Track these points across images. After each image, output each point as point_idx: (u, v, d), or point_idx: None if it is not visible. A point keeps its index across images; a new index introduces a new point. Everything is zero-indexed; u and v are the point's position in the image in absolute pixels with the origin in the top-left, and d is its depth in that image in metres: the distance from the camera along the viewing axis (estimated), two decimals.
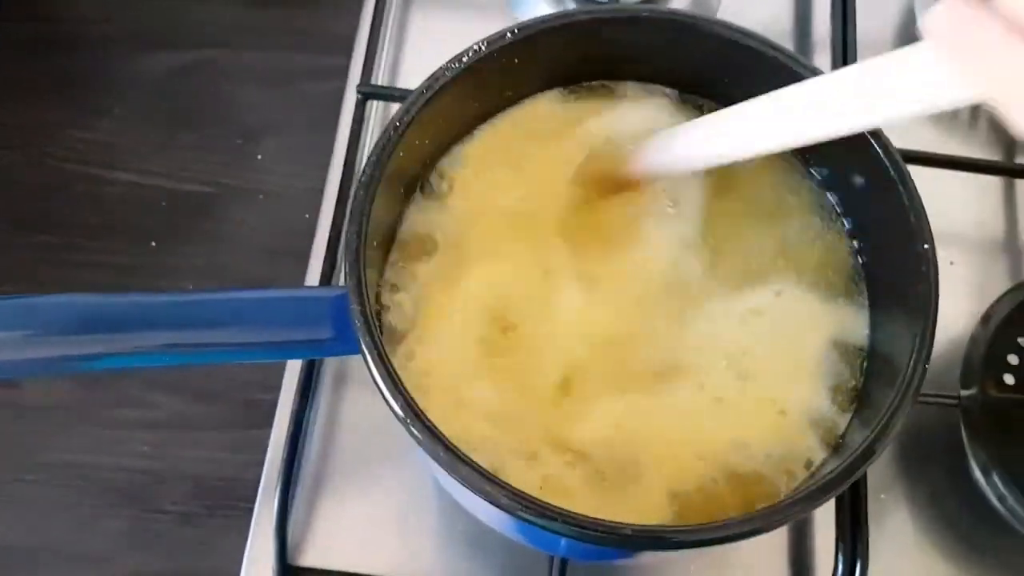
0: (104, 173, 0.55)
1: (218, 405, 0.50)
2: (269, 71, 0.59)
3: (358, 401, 0.50)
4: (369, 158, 0.36)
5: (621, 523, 0.31)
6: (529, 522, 0.31)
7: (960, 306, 0.54)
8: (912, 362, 0.35)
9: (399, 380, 0.33)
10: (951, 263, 0.56)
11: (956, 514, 0.50)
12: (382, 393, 0.33)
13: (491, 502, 0.31)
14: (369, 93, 0.53)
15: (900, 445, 0.51)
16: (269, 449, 0.48)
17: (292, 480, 0.46)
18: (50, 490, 0.48)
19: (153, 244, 0.53)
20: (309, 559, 0.46)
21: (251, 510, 0.46)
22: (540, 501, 0.31)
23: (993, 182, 0.59)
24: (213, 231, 0.54)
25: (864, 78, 0.32)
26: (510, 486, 0.31)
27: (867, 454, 0.33)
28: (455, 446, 0.32)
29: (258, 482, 0.47)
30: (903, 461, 0.51)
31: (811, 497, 0.32)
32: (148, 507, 0.48)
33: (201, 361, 0.36)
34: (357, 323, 0.33)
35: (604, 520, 0.31)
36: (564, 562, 0.44)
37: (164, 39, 0.59)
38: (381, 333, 0.35)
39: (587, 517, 0.31)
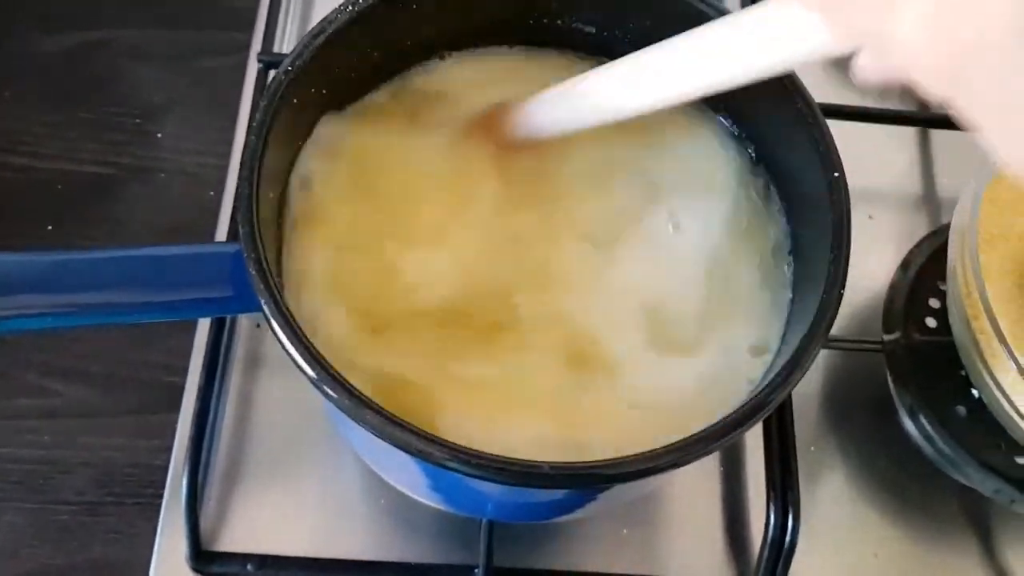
0: None
1: (122, 391, 0.48)
2: (167, 49, 0.57)
3: (271, 383, 0.48)
4: (260, 103, 0.34)
5: (538, 462, 0.30)
6: (466, 473, 0.29)
7: (881, 258, 0.54)
8: (826, 291, 0.34)
9: (302, 333, 0.31)
10: (870, 217, 0.56)
11: (885, 463, 0.50)
12: (284, 347, 0.31)
13: (415, 454, 0.30)
14: (271, 62, 0.51)
15: (827, 398, 0.51)
16: (177, 433, 0.46)
17: (201, 462, 0.44)
18: None
19: (50, 228, 0.51)
20: (225, 543, 0.44)
21: (161, 497, 0.44)
22: (477, 451, 0.29)
23: (909, 135, 0.60)
24: (113, 212, 0.51)
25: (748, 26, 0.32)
26: (440, 438, 0.30)
27: (785, 383, 0.32)
28: (375, 403, 0.30)
29: (167, 468, 0.45)
30: (831, 414, 0.50)
31: (734, 424, 0.31)
32: (51, 498, 0.45)
33: (91, 322, 0.34)
34: (252, 272, 0.31)
35: (518, 459, 0.30)
36: (491, 525, 0.43)
37: (58, 20, 0.57)
38: (281, 287, 0.33)
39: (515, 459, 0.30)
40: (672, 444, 0.31)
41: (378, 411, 0.30)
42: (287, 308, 0.31)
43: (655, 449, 0.30)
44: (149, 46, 0.57)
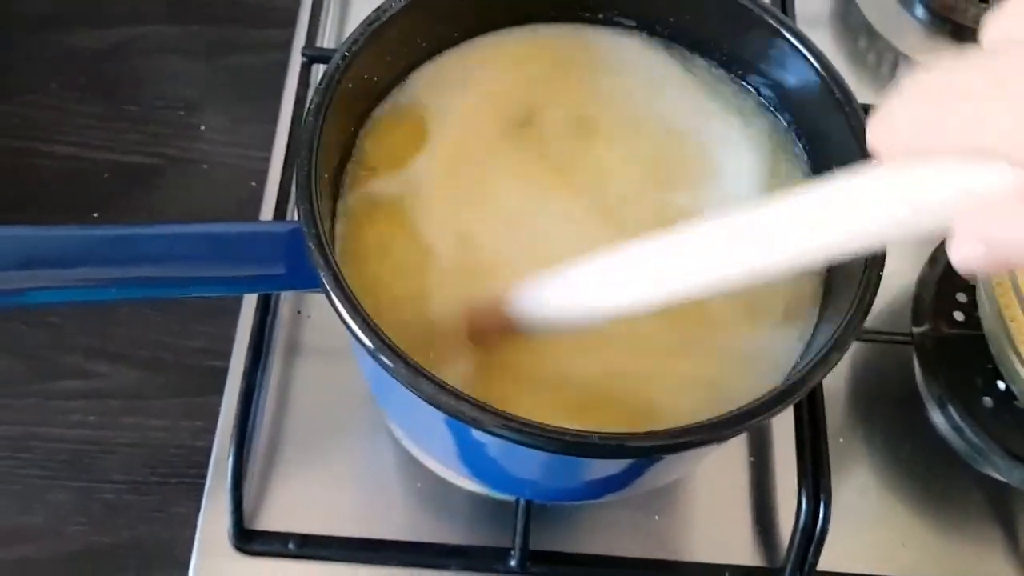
0: (43, 147, 0.54)
1: (166, 373, 0.49)
2: (208, 45, 0.58)
3: (310, 369, 0.49)
4: (317, 86, 0.35)
5: (587, 432, 0.31)
6: (516, 441, 0.30)
7: (906, 255, 0.54)
8: (866, 271, 0.35)
9: (359, 305, 0.32)
10: None
11: (912, 455, 0.50)
12: (343, 318, 0.32)
13: (467, 422, 0.30)
14: (314, 56, 0.53)
15: (854, 390, 0.52)
16: (221, 413, 0.47)
17: (246, 441, 0.45)
18: None
19: (95, 215, 0.52)
20: (266, 523, 0.45)
21: (205, 477, 0.45)
22: (528, 420, 0.30)
23: None
24: (157, 202, 0.53)
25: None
26: (492, 407, 0.30)
27: (825, 361, 0.33)
28: (430, 372, 0.31)
29: (211, 449, 0.46)
30: (859, 405, 0.51)
31: (780, 398, 0.32)
32: (96, 478, 0.46)
33: (149, 295, 0.35)
34: (312, 247, 0.32)
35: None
36: (528, 506, 0.44)
37: (102, 16, 0.59)
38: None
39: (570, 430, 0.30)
40: (717, 417, 0.32)
41: (433, 380, 0.31)
42: (345, 281, 0.32)
43: (701, 421, 0.31)
44: (190, 42, 0.58)
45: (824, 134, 0.40)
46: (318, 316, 0.50)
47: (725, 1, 0.40)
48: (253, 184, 0.53)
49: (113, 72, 0.57)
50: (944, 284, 0.49)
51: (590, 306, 0.33)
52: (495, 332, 0.37)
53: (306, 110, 0.35)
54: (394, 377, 0.31)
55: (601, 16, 0.43)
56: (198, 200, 0.53)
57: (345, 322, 0.32)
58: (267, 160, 0.53)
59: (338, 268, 0.32)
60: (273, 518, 0.45)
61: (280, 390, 0.48)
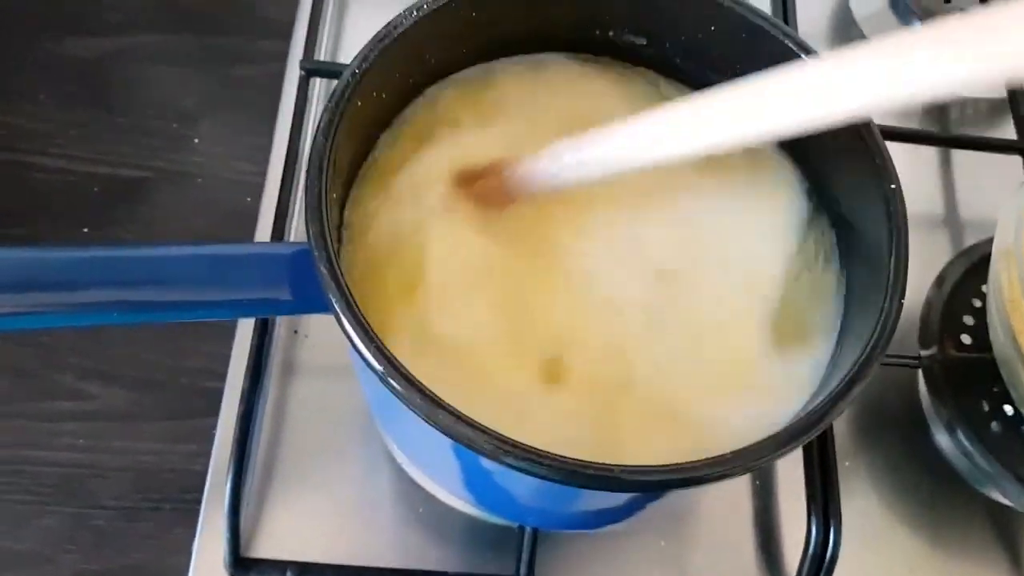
0: (32, 159, 0.52)
1: (159, 394, 0.48)
2: (203, 55, 0.57)
3: (306, 390, 0.48)
4: (327, 104, 0.34)
5: (609, 465, 0.30)
6: (535, 474, 0.29)
7: (913, 277, 0.53)
8: (888, 299, 0.34)
9: (375, 335, 0.31)
10: None
11: (918, 479, 0.50)
12: (355, 347, 0.31)
13: (484, 454, 0.29)
14: (313, 69, 0.51)
15: (860, 413, 0.51)
16: (217, 436, 0.45)
17: (244, 466, 0.43)
18: None
19: (85, 231, 0.51)
20: (262, 550, 0.44)
21: (199, 502, 0.44)
22: (549, 453, 0.29)
23: (930, 155, 0.60)
24: (149, 216, 0.51)
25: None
26: (511, 439, 0.29)
27: (845, 392, 0.32)
28: (446, 402, 0.30)
29: (206, 473, 0.45)
30: (864, 429, 0.51)
31: (807, 425, 0.31)
32: (88, 503, 0.45)
33: (146, 320, 0.34)
34: (323, 271, 0.31)
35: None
36: (534, 533, 0.43)
37: (94, 24, 0.57)
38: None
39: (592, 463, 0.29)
40: (740, 449, 0.31)
41: (450, 410, 0.30)
42: (359, 307, 0.31)
43: (724, 454, 0.30)
44: (184, 53, 0.57)
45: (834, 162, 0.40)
46: (316, 335, 0.49)
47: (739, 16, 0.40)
48: (248, 199, 0.52)
49: (104, 82, 0.55)
50: (951, 306, 0.49)
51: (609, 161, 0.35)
52: (498, 194, 0.37)
53: (316, 128, 0.34)
54: (408, 406, 0.30)
55: (611, 33, 0.43)
56: (191, 215, 0.52)
57: (359, 351, 0.30)
58: (263, 174, 0.51)
59: (351, 294, 0.31)
60: (270, 545, 0.44)
61: (276, 412, 0.47)
